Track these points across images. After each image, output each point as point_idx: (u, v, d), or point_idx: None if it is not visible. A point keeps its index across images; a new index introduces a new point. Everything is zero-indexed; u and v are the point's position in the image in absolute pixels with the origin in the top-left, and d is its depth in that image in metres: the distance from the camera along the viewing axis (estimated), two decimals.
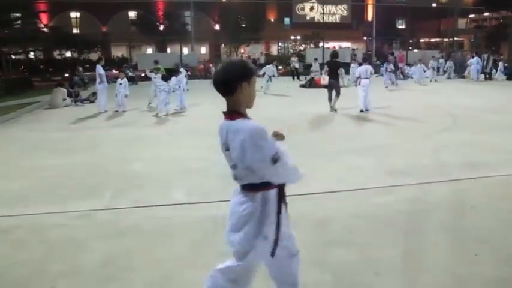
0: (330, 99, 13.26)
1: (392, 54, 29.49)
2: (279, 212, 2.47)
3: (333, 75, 13.43)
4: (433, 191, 5.66)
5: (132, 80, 22.62)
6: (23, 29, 27.06)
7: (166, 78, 14.01)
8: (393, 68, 23.18)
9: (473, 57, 27.25)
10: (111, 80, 17.46)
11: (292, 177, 2.48)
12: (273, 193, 2.45)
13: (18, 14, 26.55)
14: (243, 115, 2.40)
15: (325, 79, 15.55)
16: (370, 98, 13.05)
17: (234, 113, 2.39)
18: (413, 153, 7.70)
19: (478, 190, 5.68)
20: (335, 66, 13.55)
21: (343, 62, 15.97)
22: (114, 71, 27.01)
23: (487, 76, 26.43)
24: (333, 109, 13.05)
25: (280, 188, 2.49)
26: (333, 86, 13.16)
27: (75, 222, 4.79)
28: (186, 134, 10.03)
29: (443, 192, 5.61)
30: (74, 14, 47.40)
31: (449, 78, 27.08)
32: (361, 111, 12.73)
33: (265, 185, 2.41)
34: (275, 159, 2.29)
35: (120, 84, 14.01)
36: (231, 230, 2.50)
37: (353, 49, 36.97)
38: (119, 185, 6.13)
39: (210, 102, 15.70)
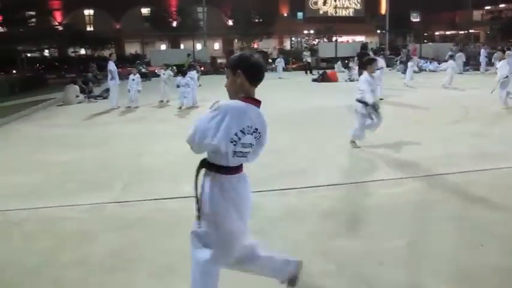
0: None
1: (405, 47, 29.22)
2: None
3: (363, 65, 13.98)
4: (442, 182, 5.63)
5: (144, 76, 22.62)
6: (38, 27, 27.36)
7: (184, 73, 14.24)
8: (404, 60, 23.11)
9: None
10: (124, 76, 17.52)
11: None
12: None
13: (32, 13, 26.80)
14: None
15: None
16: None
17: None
18: (423, 145, 7.66)
19: (486, 181, 5.64)
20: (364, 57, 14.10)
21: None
22: (128, 68, 27.12)
23: None
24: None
25: None
26: None
27: (85, 215, 4.87)
28: None
29: (452, 183, 5.58)
30: (88, 12, 48.06)
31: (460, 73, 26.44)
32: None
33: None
34: None
35: (133, 80, 14.10)
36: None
37: (366, 42, 36.57)
38: (129, 178, 6.22)
39: (221, 97, 15.77)
